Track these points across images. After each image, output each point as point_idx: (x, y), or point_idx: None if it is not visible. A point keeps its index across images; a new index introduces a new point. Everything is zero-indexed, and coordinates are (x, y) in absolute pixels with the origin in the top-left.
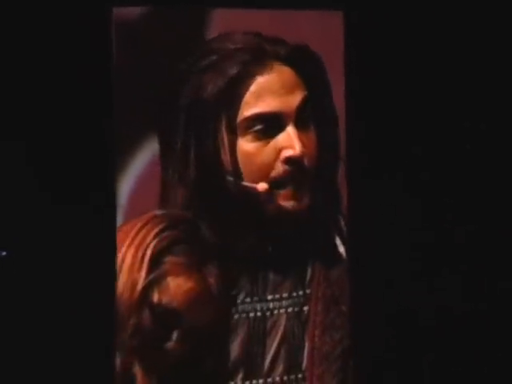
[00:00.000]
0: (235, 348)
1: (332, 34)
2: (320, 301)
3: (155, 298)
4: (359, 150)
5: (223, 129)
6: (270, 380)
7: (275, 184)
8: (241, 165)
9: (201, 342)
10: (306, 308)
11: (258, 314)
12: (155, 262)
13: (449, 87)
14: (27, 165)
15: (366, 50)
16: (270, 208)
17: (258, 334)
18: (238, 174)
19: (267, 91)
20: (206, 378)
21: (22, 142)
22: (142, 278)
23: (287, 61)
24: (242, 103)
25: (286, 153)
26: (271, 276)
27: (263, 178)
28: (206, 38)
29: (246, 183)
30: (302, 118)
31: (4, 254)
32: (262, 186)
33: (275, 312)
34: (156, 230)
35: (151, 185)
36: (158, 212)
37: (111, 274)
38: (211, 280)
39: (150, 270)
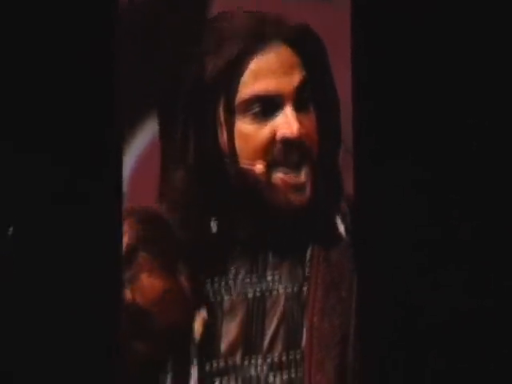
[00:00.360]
0: (234, 327)
1: (339, 15)
2: (320, 286)
3: (128, 296)
4: (366, 134)
5: (222, 110)
6: (269, 359)
7: (273, 166)
8: (239, 147)
9: (169, 342)
10: (305, 288)
11: (257, 293)
12: (128, 259)
13: (461, 74)
14: (26, 149)
15: (374, 32)
16: (268, 191)
17: (258, 313)
18: (235, 156)
19: (265, 71)
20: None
21: (17, 124)
22: None
23: (287, 41)
24: (240, 84)
25: (283, 133)
26: (271, 256)
27: (261, 160)
28: (208, 19)
29: (242, 165)
30: (301, 100)
31: (11, 230)
32: (259, 168)
33: (274, 292)
34: (127, 226)
35: (152, 165)
36: (128, 205)
37: (116, 258)
38: (182, 280)
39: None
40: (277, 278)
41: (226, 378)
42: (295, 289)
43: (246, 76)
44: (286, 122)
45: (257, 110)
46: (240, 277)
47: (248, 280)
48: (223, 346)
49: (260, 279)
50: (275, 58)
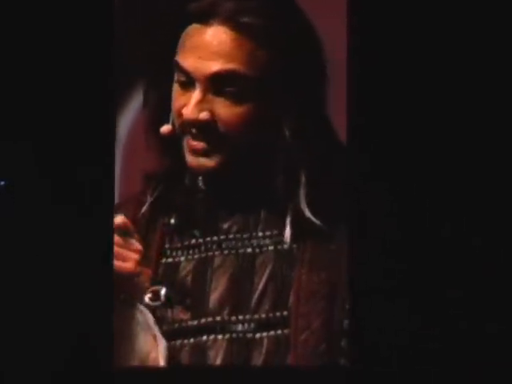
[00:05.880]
0: (223, 283)
1: None
2: (310, 240)
3: None
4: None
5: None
6: (256, 316)
7: (184, 131)
8: (173, 105)
9: None
10: (295, 246)
11: (248, 250)
12: None
13: (459, 42)
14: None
15: (370, 14)
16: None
17: (247, 270)
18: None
19: (195, 48)
20: None
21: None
22: None
23: (243, 30)
24: (178, 51)
25: (184, 109)
26: (263, 214)
27: (178, 121)
28: None
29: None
30: (219, 87)
31: (2, 183)
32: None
33: (264, 249)
34: None
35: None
36: None
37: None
38: None
39: None
40: (268, 234)
41: (213, 334)
42: (285, 246)
43: (181, 46)
44: (189, 102)
45: (179, 76)
46: (231, 234)
47: (239, 236)
48: (211, 302)
49: (251, 236)
50: (209, 38)
